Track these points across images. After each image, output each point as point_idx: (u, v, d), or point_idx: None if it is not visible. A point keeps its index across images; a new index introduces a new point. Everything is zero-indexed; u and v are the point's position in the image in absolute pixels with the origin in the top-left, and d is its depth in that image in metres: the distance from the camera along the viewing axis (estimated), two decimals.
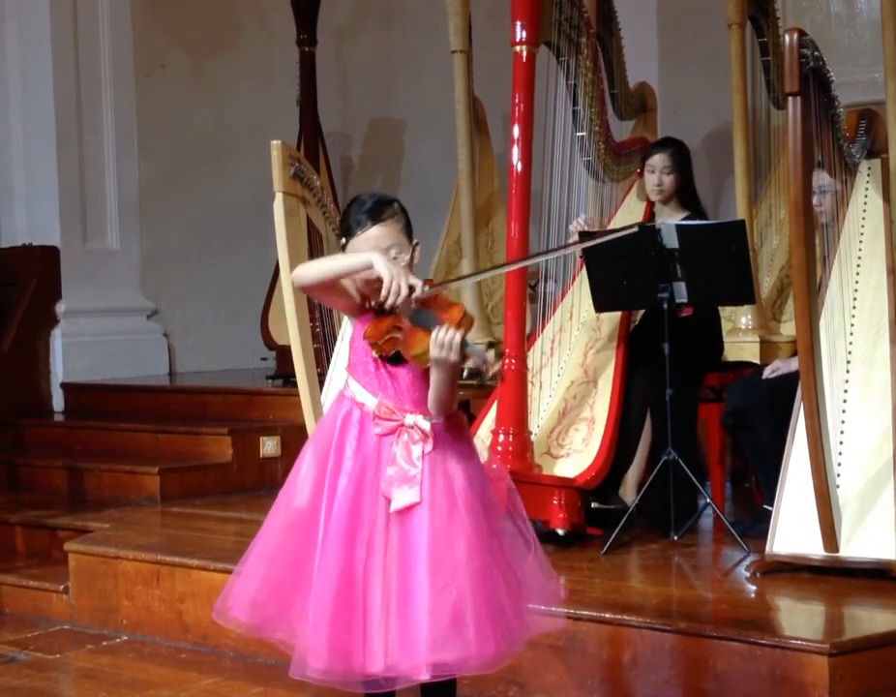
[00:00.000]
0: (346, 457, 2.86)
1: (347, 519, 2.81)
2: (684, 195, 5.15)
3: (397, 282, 2.74)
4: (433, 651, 2.71)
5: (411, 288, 2.76)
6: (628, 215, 5.32)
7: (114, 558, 4.77)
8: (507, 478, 3.02)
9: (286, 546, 2.87)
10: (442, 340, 2.71)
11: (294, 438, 5.65)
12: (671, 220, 5.07)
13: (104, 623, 4.75)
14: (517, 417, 4.57)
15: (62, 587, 4.91)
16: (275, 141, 4.61)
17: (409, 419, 2.84)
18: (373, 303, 2.84)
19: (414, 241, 2.91)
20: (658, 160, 5.11)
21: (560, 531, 4.49)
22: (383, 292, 2.74)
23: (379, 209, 2.87)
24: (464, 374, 2.76)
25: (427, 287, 2.81)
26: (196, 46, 7.85)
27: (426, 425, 2.84)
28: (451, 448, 2.86)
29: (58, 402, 7.14)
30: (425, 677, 2.74)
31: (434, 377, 2.80)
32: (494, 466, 3.12)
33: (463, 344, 2.72)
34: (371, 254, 2.79)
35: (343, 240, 2.92)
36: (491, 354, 2.77)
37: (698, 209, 5.15)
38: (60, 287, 7.15)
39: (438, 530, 2.78)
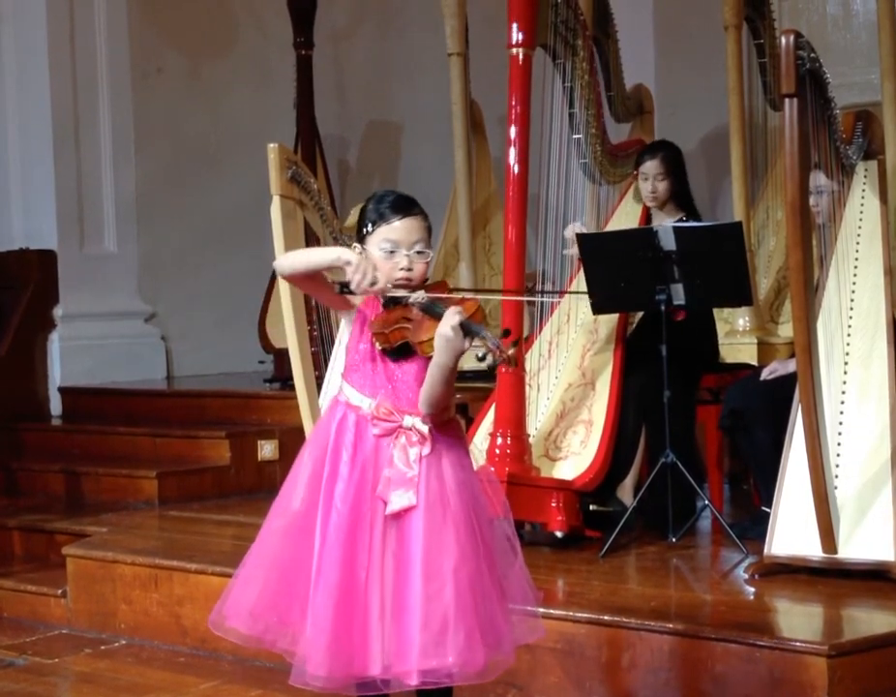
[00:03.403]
0: (343, 462, 2.84)
1: (348, 525, 2.80)
2: (679, 197, 5.14)
3: (363, 266, 2.75)
4: (424, 657, 2.72)
5: (374, 280, 2.76)
6: (624, 217, 5.32)
7: (112, 562, 4.77)
8: (498, 484, 3.02)
9: (283, 554, 2.86)
10: (451, 318, 2.66)
11: (292, 441, 5.63)
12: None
13: (102, 628, 4.75)
14: (514, 420, 4.57)
15: (60, 591, 4.90)
16: (272, 144, 4.60)
17: (408, 421, 2.82)
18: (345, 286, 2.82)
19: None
20: (650, 167, 5.09)
21: (559, 534, 4.49)
22: (349, 275, 2.75)
23: (409, 202, 2.88)
24: (479, 356, 2.67)
25: (423, 295, 2.80)
26: (193, 50, 7.84)
27: (424, 427, 2.82)
28: (446, 453, 2.85)
29: (56, 406, 7.14)
30: (414, 682, 2.74)
31: (432, 370, 2.77)
32: (492, 468, 3.10)
33: (469, 328, 2.67)
34: (340, 250, 2.82)
35: (367, 230, 2.87)
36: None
37: (693, 211, 5.14)
38: (57, 291, 7.14)
39: (432, 534, 2.78)
